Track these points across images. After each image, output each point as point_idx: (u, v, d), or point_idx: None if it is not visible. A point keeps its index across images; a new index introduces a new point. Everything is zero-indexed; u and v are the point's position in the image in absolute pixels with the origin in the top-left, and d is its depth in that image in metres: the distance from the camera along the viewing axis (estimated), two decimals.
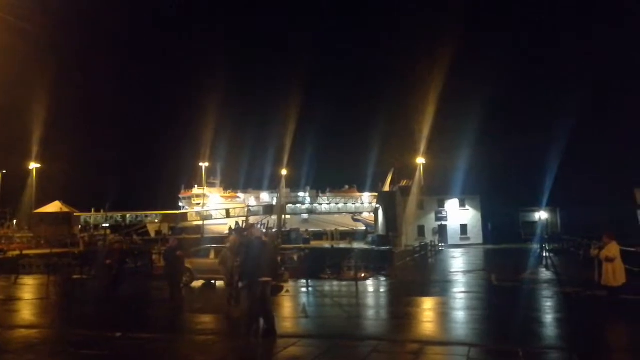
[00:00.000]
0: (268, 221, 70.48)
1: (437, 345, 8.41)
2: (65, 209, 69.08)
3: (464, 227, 50.36)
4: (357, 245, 45.83)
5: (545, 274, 20.26)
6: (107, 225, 68.57)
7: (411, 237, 46.38)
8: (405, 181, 57.55)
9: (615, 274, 10.32)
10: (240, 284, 9.48)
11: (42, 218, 64.78)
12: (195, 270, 17.84)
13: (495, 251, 37.98)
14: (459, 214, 50.63)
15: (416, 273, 22.75)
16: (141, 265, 24.72)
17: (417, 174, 53.88)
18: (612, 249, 10.40)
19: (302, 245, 39.63)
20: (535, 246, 33.63)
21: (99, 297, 12.46)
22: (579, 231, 30.70)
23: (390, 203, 55.25)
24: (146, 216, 75.50)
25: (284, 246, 37.32)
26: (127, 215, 74.99)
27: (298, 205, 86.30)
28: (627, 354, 8.31)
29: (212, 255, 18.16)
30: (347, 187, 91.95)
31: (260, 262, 8.68)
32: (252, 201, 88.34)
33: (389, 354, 8.11)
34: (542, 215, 50.81)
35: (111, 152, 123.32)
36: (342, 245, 45.88)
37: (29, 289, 18.61)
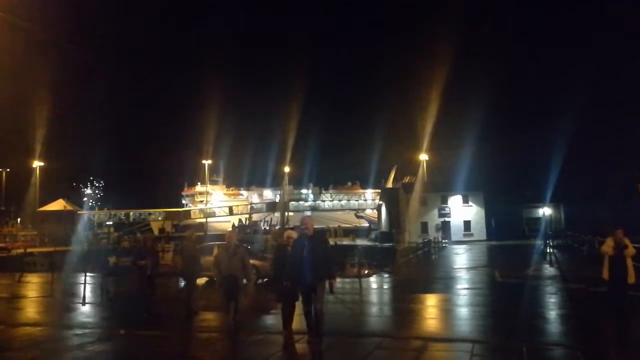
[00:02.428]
0: (271, 218, 70.71)
1: (441, 342, 8.41)
2: (69, 207, 69.41)
3: (467, 224, 50.31)
4: (360, 242, 45.90)
5: (549, 270, 20.21)
6: (111, 223, 68.77)
7: (414, 234, 46.35)
8: (408, 178, 57.56)
9: (633, 270, 10.12)
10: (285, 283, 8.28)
11: (46, 216, 65.09)
12: None
13: (498, 247, 37.91)
14: (462, 211, 50.58)
15: (419, 270, 22.73)
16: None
17: (420, 170, 53.90)
18: (631, 246, 10.19)
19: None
20: (539, 242, 33.53)
21: (132, 302, 11.57)
22: (583, 227, 30.63)
23: (393, 200, 55.27)
24: (149, 214, 75.74)
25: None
26: (131, 213, 75.24)
27: (301, 202, 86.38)
28: (631, 350, 8.28)
29: (215, 252, 18.20)
30: (350, 184, 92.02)
31: (317, 260, 7.78)
32: (255, 198, 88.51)
33: (393, 351, 8.11)
34: (545, 211, 50.72)
35: (114, 151, 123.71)
36: (346, 242, 45.97)
37: (33, 286, 18.69)
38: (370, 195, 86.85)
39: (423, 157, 55.08)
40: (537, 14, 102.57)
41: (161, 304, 12.47)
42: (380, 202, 64.46)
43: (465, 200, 50.66)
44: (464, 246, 40.28)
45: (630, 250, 9.96)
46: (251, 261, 18.51)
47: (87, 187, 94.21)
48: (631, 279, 9.92)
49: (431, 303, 13.46)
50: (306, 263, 7.77)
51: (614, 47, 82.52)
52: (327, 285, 7.85)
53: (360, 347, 8.18)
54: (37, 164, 65.68)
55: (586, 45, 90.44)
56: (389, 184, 66.99)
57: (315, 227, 8.38)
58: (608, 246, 10.10)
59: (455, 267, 23.74)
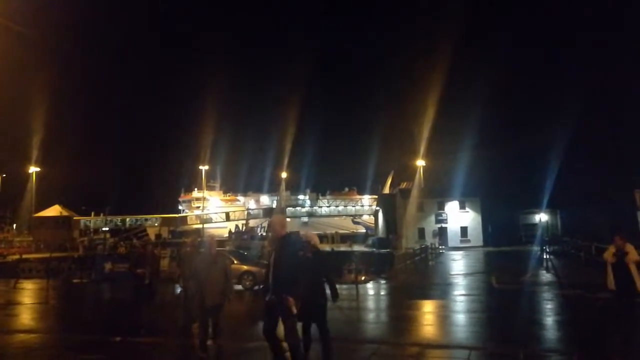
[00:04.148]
0: (268, 224, 70.54)
1: (438, 348, 8.39)
2: (65, 213, 69.16)
3: (464, 230, 50.34)
4: (357, 248, 45.80)
5: (545, 276, 20.23)
6: (107, 229, 68.50)
7: (411, 240, 46.36)
8: (405, 183, 57.53)
9: (638, 277, 9.86)
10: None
11: (42, 222, 64.84)
12: None
13: (495, 253, 37.93)
14: (459, 216, 50.62)
15: (416, 276, 22.71)
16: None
17: (417, 176, 53.89)
18: (635, 251, 9.95)
19: None
20: (536, 248, 33.62)
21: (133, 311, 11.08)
22: (580, 233, 30.67)
23: (390, 205, 55.25)
24: (146, 220, 75.45)
25: None
26: (127, 219, 74.95)
27: (298, 208, 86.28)
28: (628, 357, 8.26)
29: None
30: (347, 189, 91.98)
31: (283, 272, 6.16)
32: (252, 204, 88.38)
33: (390, 357, 8.08)
34: (542, 217, 50.83)
35: (111, 156, 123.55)
36: (343, 248, 45.87)
37: (28, 293, 18.58)
38: (367, 201, 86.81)
39: (420, 162, 55.12)
40: (534, 19, 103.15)
41: (158, 311, 12.41)
42: (377, 208, 64.45)
43: (462, 206, 50.71)
44: (460, 252, 40.27)
45: (632, 256, 9.72)
46: (248, 267, 18.63)
47: (83, 192, 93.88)
48: (638, 286, 9.62)
49: (428, 309, 13.44)
50: (271, 273, 6.27)
51: (612, 52, 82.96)
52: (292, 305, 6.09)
53: (356, 354, 8.14)
54: (33, 169, 65.48)
55: (584, 52, 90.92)
56: (386, 190, 66.92)
57: (313, 233, 7.28)
58: (608, 253, 9.93)
59: (452, 273, 23.72)
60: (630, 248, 9.73)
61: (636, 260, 9.57)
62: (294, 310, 6.05)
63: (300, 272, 6.24)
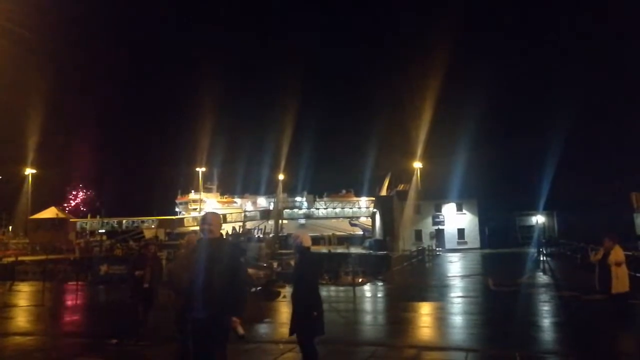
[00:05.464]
0: (265, 226, 70.52)
1: (435, 350, 8.38)
2: (61, 215, 68.96)
3: (461, 232, 50.40)
4: (354, 250, 45.80)
5: (542, 278, 20.27)
6: (103, 231, 68.35)
7: (408, 242, 46.38)
8: (402, 185, 57.60)
9: (625, 279, 9.89)
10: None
11: (38, 224, 64.61)
12: None
13: (492, 255, 37.99)
14: (456, 218, 50.67)
15: (413, 278, 22.72)
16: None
17: (414, 178, 53.96)
18: (620, 253, 9.98)
19: None
20: (533, 250, 33.68)
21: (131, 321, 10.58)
22: (576, 235, 30.77)
23: (387, 207, 55.29)
24: (142, 222, 75.33)
25: (281, 251, 37.29)
26: (123, 221, 74.80)
27: (295, 210, 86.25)
28: (624, 358, 8.28)
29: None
30: (344, 191, 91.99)
31: (215, 283, 4.66)
32: (249, 206, 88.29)
33: (387, 359, 8.07)
34: (539, 219, 50.95)
35: (107, 158, 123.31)
36: (340, 250, 45.87)
37: (24, 295, 18.51)
38: (364, 203, 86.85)
39: (417, 164, 55.19)
40: (532, 21, 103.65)
41: (156, 314, 12.34)
42: (374, 210, 64.48)
43: (459, 208, 50.77)
44: (457, 254, 40.33)
45: (612, 257, 9.72)
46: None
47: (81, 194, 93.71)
48: (615, 288, 9.45)
49: (425, 311, 13.44)
50: (197, 285, 4.75)
51: (610, 55, 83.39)
52: (237, 326, 4.76)
53: (354, 356, 8.14)
54: (29, 171, 65.26)
55: (580, 54, 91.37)
56: (383, 192, 66.99)
57: (307, 235, 6.25)
58: (595, 255, 9.99)
59: (449, 275, 23.75)
60: (616, 250, 9.75)
61: (617, 261, 9.59)
62: (242, 332, 4.84)
63: (244, 285, 5.20)
